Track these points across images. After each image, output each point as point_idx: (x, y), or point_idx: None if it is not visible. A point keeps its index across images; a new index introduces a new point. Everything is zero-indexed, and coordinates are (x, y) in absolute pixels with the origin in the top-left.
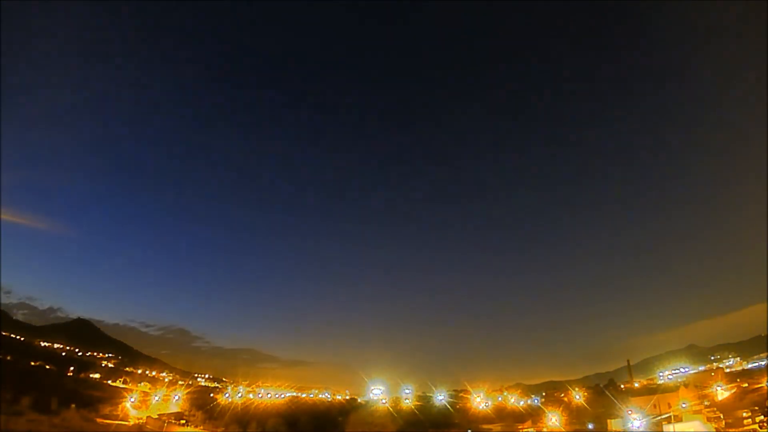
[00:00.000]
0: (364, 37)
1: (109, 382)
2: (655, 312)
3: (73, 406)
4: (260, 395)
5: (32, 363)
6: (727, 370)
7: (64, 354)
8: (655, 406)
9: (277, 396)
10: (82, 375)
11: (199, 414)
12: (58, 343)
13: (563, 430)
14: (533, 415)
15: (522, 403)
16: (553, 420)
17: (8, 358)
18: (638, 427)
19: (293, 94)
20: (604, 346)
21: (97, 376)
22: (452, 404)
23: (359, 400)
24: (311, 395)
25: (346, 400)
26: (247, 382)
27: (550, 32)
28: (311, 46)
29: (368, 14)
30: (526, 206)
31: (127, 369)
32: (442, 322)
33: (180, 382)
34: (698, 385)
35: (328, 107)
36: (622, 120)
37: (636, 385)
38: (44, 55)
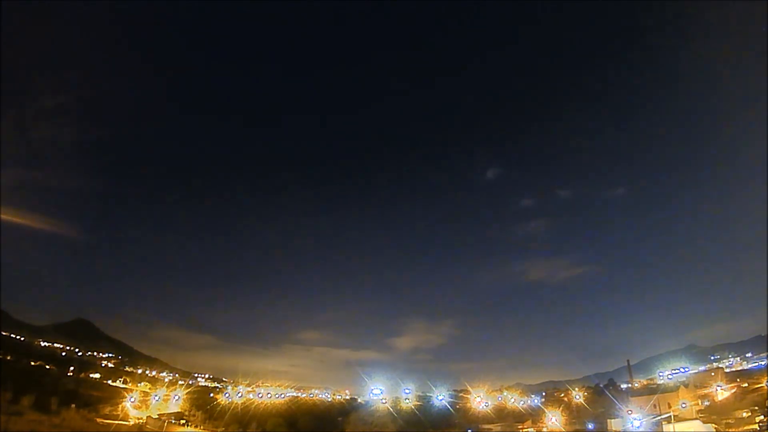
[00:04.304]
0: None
1: (109, 382)
2: (655, 312)
3: (73, 406)
4: (260, 395)
5: (32, 363)
6: (727, 370)
7: (64, 354)
8: (655, 406)
9: (277, 396)
10: (82, 375)
11: (199, 414)
12: (58, 343)
13: (563, 430)
14: (533, 415)
15: (522, 403)
16: (553, 420)
17: (8, 358)
18: (638, 427)
19: (296, 92)
20: (604, 346)
21: (97, 376)
22: (452, 404)
23: (359, 400)
24: (311, 395)
25: (346, 400)
26: (248, 382)
27: (543, 30)
28: (315, 42)
29: None
30: (525, 207)
31: (127, 369)
32: (442, 321)
33: (180, 382)
34: (698, 385)
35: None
36: (623, 120)
37: (636, 385)
38: (44, 54)
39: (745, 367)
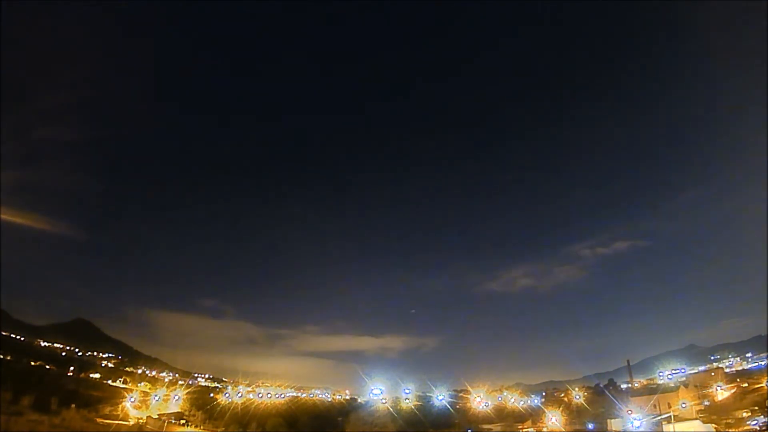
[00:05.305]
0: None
1: (109, 382)
2: (655, 312)
3: (73, 406)
4: (260, 395)
5: (32, 363)
6: (727, 370)
7: (64, 354)
8: (655, 406)
9: (277, 396)
10: (82, 375)
11: (199, 414)
12: (58, 343)
13: (563, 430)
14: (533, 415)
15: (522, 403)
16: (553, 420)
17: (8, 358)
18: (638, 427)
19: (296, 92)
20: (604, 346)
21: (97, 376)
22: (452, 404)
23: (359, 400)
24: (311, 395)
25: (346, 400)
26: (248, 382)
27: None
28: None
29: None
30: (525, 207)
31: (127, 369)
32: (442, 321)
33: (180, 382)
34: (698, 385)
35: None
36: (622, 120)
37: (636, 385)
38: (44, 54)
39: (745, 367)
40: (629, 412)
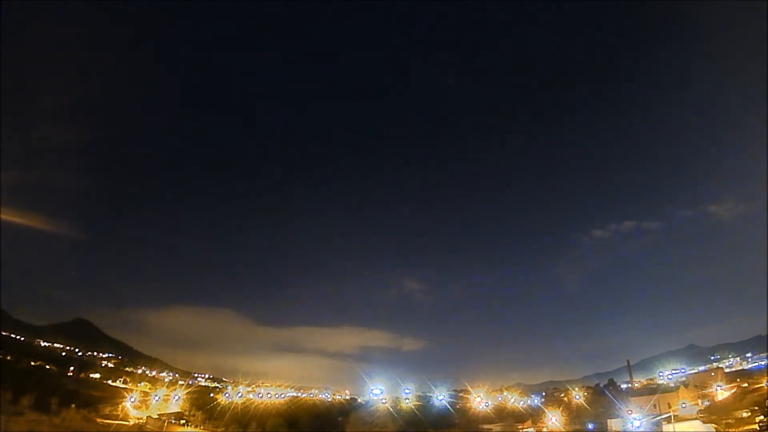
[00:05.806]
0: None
1: (109, 382)
2: (655, 312)
3: (73, 406)
4: (260, 395)
5: (32, 363)
6: (727, 370)
7: (64, 354)
8: (655, 406)
9: (277, 396)
10: (82, 375)
11: (199, 414)
12: (58, 343)
13: (563, 430)
14: (533, 415)
15: (522, 403)
16: (553, 420)
17: (8, 358)
18: (638, 427)
19: (297, 90)
20: (604, 346)
21: (97, 376)
22: (452, 404)
23: (359, 400)
24: (311, 395)
25: (346, 400)
26: (248, 382)
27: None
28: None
29: None
30: (527, 206)
31: (127, 369)
32: (442, 321)
33: (180, 382)
34: (698, 385)
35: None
36: (621, 120)
37: (636, 385)
38: (44, 54)
39: (745, 367)
40: (629, 412)
